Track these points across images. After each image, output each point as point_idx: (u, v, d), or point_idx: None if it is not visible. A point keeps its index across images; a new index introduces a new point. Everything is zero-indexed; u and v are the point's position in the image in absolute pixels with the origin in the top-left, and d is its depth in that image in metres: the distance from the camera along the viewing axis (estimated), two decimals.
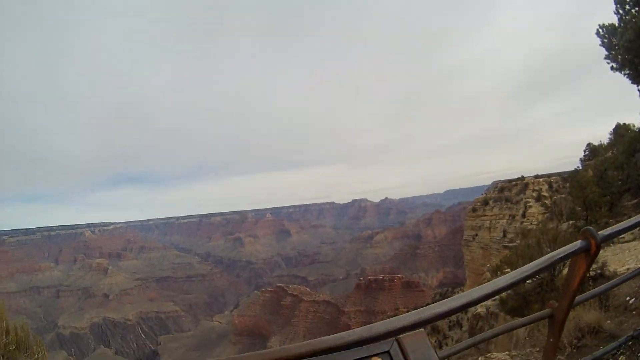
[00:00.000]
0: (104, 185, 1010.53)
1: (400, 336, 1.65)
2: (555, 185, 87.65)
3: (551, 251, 2.90)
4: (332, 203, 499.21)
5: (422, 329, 1.82)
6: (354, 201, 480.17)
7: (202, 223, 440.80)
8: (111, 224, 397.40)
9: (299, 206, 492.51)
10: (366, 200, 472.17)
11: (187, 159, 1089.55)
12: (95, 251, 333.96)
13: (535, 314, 4.13)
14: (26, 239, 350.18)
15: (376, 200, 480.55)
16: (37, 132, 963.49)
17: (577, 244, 3.14)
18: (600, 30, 25.34)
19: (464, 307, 2.27)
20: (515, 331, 13.49)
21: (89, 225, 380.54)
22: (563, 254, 3.00)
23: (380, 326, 1.87)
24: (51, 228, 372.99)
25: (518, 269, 2.57)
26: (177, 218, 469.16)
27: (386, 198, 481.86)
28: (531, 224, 76.11)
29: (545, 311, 3.66)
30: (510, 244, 66.21)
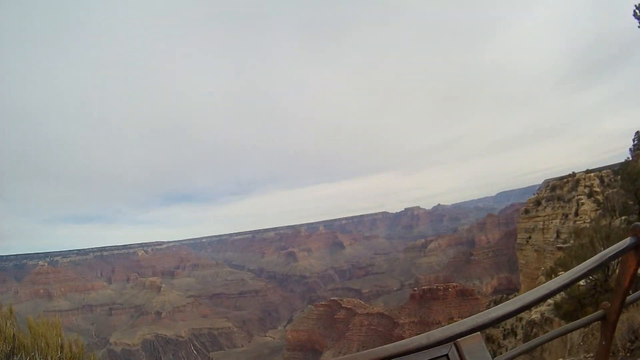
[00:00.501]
0: (156, 205, 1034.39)
1: (458, 340, 1.69)
2: (606, 180, 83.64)
3: (605, 250, 3.00)
4: (385, 213, 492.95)
5: (478, 333, 1.86)
6: (407, 210, 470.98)
7: (255, 239, 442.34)
8: (164, 242, 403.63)
9: (352, 217, 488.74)
10: (419, 208, 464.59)
11: (237, 174, 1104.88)
12: (149, 270, 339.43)
13: (587, 316, 3.89)
14: (79, 259, 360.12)
15: (429, 207, 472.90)
16: (89, 153, 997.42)
17: (627, 241, 3.07)
18: (637, 10, 21.72)
19: (518, 311, 2.36)
20: (569, 337, 14.25)
21: (141, 245, 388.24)
22: (613, 253, 2.97)
23: (438, 333, 1.97)
24: (104, 248, 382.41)
25: (569, 271, 2.74)
26: (230, 235, 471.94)
27: (439, 204, 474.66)
28: (584, 222, 71.62)
29: (598, 313, 3.53)
30: (564, 245, 62.29)
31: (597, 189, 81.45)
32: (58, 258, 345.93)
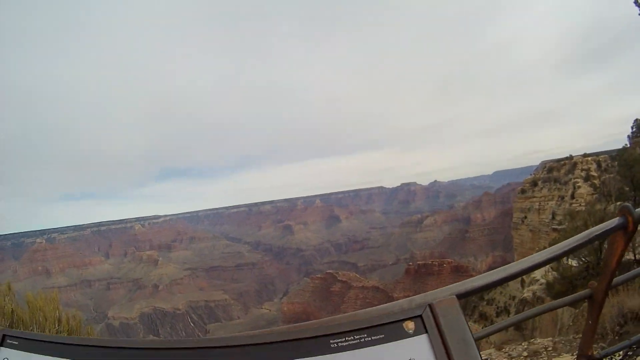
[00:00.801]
0: (152, 180, 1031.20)
1: (433, 302, 1.76)
2: (604, 165, 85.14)
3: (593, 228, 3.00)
4: (382, 187, 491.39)
5: (454, 296, 1.88)
6: (403, 185, 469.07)
7: (252, 212, 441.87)
8: (161, 216, 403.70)
9: (349, 192, 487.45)
10: (415, 183, 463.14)
11: (234, 149, 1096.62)
12: (146, 244, 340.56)
13: (574, 294, 3.94)
14: (76, 235, 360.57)
15: (425, 183, 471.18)
16: (84, 131, 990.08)
17: (615, 221, 3.09)
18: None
19: (502, 281, 2.42)
20: (559, 317, 15.09)
21: (138, 219, 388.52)
22: (600, 231, 2.99)
23: (419, 298, 2.00)
24: (101, 223, 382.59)
25: (556, 245, 2.75)
26: (227, 208, 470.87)
27: (435, 181, 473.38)
28: (580, 205, 72.90)
29: (585, 291, 3.53)
30: (559, 227, 63.61)
31: (594, 174, 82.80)
32: (55, 235, 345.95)
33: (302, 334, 1.58)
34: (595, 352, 3.38)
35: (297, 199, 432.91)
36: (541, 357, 9.19)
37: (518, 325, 24.14)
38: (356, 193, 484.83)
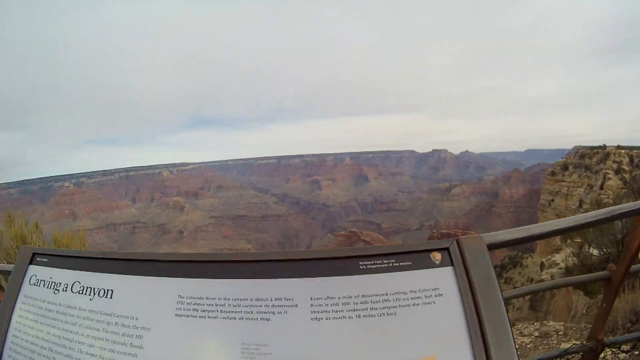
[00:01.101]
0: (182, 128, 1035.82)
1: (460, 237, 1.76)
2: (636, 160, 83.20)
3: (622, 227, 2.96)
4: (412, 152, 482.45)
5: (480, 235, 1.90)
6: (434, 151, 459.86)
7: (281, 164, 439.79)
8: (189, 164, 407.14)
9: (379, 152, 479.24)
10: (446, 151, 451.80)
11: (266, 101, 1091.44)
12: (173, 190, 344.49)
13: (592, 274, 3.86)
14: (104, 179, 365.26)
15: (456, 152, 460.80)
16: (116, 76, 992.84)
17: None
18: None
19: (525, 240, 2.46)
20: (574, 305, 15.29)
21: (167, 166, 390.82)
22: (624, 210, 2.88)
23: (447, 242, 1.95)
24: (129, 169, 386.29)
25: (579, 215, 2.69)
26: (256, 159, 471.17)
27: (466, 151, 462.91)
28: (608, 197, 71.74)
29: (603, 273, 3.47)
30: None
31: (626, 167, 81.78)
32: (83, 179, 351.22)
33: (332, 254, 1.66)
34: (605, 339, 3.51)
35: (327, 155, 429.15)
36: (551, 339, 9.40)
37: (533, 306, 24.88)
38: (386, 155, 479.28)
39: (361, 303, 1.53)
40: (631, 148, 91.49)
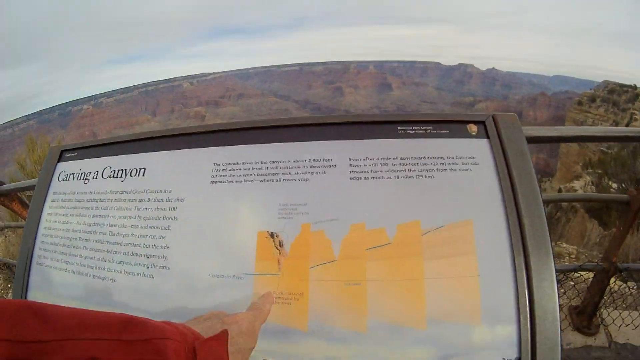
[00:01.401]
0: (203, 39, 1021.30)
1: (495, 113, 1.72)
2: None
3: None
4: (438, 64, 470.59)
5: (515, 114, 1.80)
6: (460, 65, 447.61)
7: (303, 71, 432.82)
8: (210, 74, 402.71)
9: (404, 62, 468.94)
10: (473, 66, 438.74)
11: (289, 8, 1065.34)
12: (194, 100, 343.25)
13: (611, 195, 4.15)
14: (124, 97, 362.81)
15: (483, 68, 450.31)
16: None
17: None
18: None
19: (554, 140, 2.34)
20: (588, 233, 14.18)
21: (187, 77, 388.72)
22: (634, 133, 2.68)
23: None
24: (148, 84, 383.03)
25: (612, 127, 2.52)
26: (278, 66, 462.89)
27: (493, 68, 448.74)
28: None
29: (623, 196, 3.50)
30: (608, 150, 64.16)
31: None
32: (102, 99, 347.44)
33: (371, 118, 1.72)
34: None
35: (351, 62, 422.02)
36: (563, 260, 10.74)
37: (549, 224, 27.42)
38: (411, 65, 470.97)
39: (400, 165, 1.59)
40: None
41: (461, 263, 1.37)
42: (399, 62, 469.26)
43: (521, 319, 1.26)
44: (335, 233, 1.41)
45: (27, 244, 1.99)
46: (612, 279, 3.75)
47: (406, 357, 1.24)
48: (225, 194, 1.65)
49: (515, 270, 1.34)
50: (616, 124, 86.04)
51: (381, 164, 1.61)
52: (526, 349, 1.22)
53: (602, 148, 79.39)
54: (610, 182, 20.18)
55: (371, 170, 1.59)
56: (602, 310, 4.13)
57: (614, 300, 4.28)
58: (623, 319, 3.94)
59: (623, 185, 18.68)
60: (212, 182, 1.69)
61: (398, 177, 1.57)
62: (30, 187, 3.56)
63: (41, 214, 2.04)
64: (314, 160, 1.61)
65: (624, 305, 4.29)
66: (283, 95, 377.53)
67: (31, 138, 12.50)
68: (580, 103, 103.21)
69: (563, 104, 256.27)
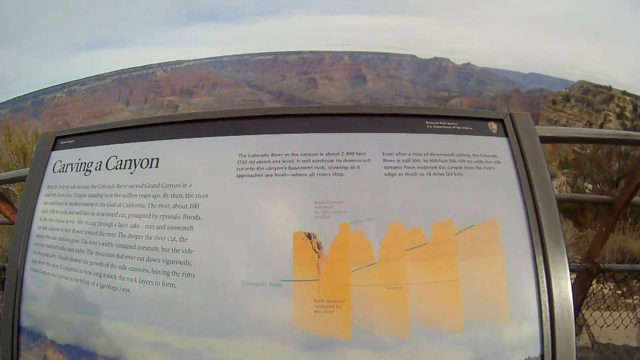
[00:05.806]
0: (176, 24, 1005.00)
1: (512, 113, 1.77)
2: None
3: (619, 165, 2.99)
4: (414, 57, 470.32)
5: (528, 113, 1.85)
6: (436, 59, 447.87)
7: (277, 60, 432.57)
8: (184, 61, 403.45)
9: (378, 54, 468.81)
10: (448, 60, 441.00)
11: None
12: (167, 89, 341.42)
13: (595, 195, 4.37)
14: (97, 85, 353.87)
15: (458, 63, 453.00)
16: None
17: None
18: None
19: (547, 140, 2.46)
20: (563, 234, 13.44)
21: (160, 65, 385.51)
22: (636, 138, 2.91)
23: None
24: (122, 71, 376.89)
25: (602, 129, 2.78)
26: (252, 55, 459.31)
27: (469, 63, 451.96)
28: None
29: (606, 197, 3.56)
30: (582, 151, 63.08)
31: (628, 115, 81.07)
32: (76, 87, 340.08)
33: (400, 111, 1.68)
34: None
35: (325, 52, 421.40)
36: None
37: None
38: (386, 57, 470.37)
39: (430, 161, 1.56)
40: (637, 97, 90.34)
41: (491, 263, 1.38)
42: (373, 53, 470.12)
43: (543, 317, 1.31)
44: (374, 233, 1.42)
45: (18, 245, 1.83)
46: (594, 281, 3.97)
47: None
48: (254, 190, 1.54)
49: (536, 269, 1.38)
50: (590, 124, 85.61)
51: (413, 159, 1.59)
52: (547, 346, 1.27)
53: (575, 148, 78.63)
54: (585, 183, 19.61)
55: (404, 166, 1.58)
56: (583, 311, 4.36)
57: (596, 301, 4.52)
58: (605, 320, 4.28)
59: (598, 186, 17.55)
60: (239, 176, 1.58)
61: (430, 173, 1.56)
62: (12, 180, 3.50)
63: (34, 210, 1.88)
64: (347, 154, 1.55)
65: (604, 307, 4.58)
66: (257, 86, 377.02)
67: (7, 126, 13.01)
68: (554, 102, 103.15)
69: (537, 102, 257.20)
